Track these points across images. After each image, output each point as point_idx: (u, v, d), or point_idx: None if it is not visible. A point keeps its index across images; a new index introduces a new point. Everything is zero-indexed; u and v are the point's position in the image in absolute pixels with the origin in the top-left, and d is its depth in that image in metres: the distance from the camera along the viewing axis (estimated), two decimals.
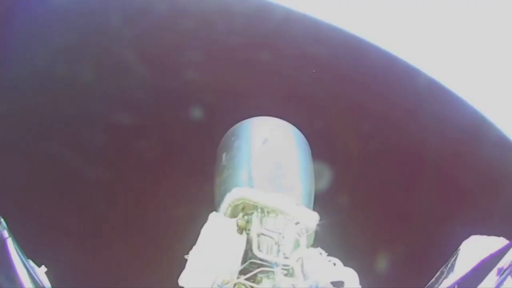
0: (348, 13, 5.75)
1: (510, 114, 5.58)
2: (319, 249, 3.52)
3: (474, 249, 3.34)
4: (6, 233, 2.85)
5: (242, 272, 3.26)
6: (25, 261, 2.90)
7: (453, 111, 5.59)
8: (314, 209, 3.72)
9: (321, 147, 4.59)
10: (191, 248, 3.23)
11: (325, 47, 5.68)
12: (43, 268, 3.17)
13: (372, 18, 5.72)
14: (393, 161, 5.46)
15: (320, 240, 3.67)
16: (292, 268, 3.31)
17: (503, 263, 3.07)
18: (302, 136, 4.44)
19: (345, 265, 3.44)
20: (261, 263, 3.31)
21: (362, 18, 5.74)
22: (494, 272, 3.07)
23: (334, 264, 3.42)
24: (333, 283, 3.28)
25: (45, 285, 3.12)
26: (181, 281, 3.15)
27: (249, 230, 3.45)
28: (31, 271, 2.95)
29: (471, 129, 5.50)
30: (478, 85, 5.70)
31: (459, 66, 5.75)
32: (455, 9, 5.50)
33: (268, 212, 3.54)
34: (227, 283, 3.13)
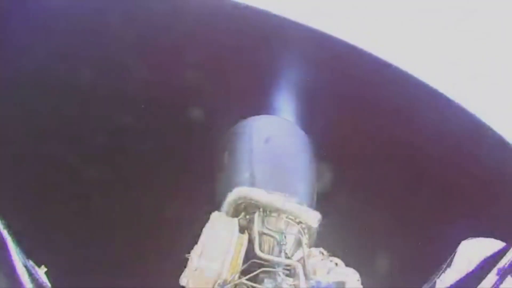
0: (342, 19, 5.82)
1: (508, 118, 5.62)
2: (321, 249, 3.52)
3: (473, 249, 3.34)
4: (6, 233, 2.83)
5: (244, 272, 3.25)
6: (25, 261, 2.88)
7: (451, 116, 5.64)
8: (316, 209, 3.71)
9: (323, 147, 4.60)
10: (192, 247, 3.21)
11: (322, 52, 5.78)
12: (43, 268, 3.15)
13: (364, 25, 5.78)
14: (393, 163, 5.49)
15: (322, 239, 3.67)
16: (294, 268, 3.31)
17: (503, 263, 3.08)
18: (305, 135, 4.45)
19: (346, 265, 3.44)
20: (263, 263, 3.30)
21: (355, 25, 5.80)
22: (494, 272, 3.08)
23: (336, 264, 3.42)
24: (334, 283, 3.27)
25: (45, 285, 3.10)
26: (182, 280, 3.13)
27: (251, 229, 3.45)
28: (31, 271, 2.93)
29: (469, 134, 5.55)
30: (475, 90, 5.74)
31: (456, 72, 5.79)
32: (450, 13, 5.55)
33: (270, 212, 3.53)
34: (229, 283, 3.11)
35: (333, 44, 5.68)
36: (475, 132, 5.52)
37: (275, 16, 5.55)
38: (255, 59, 5.66)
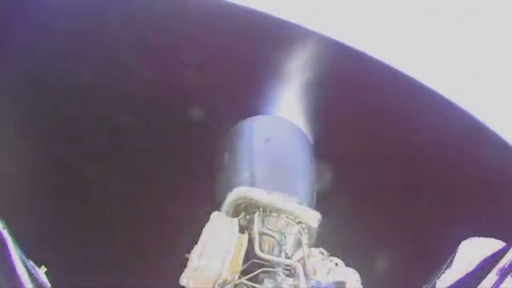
0: (342, 20, 5.84)
1: (508, 118, 5.64)
2: (321, 249, 3.51)
3: (473, 249, 3.34)
4: (6, 233, 2.82)
5: (244, 272, 3.23)
6: (25, 261, 2.87)
7: (451, 117, 5.67)
8: (316, 209, 3.70)
9: (323, 147, 4.61)
10: (192, 247, 3.20)
11: (321, 53, 5.82)
12: (43, 268, 3.15)
13: (364, 25, 5.80)
14: (393, 164, 5.51)
15: (322, 239, 3.66)
16: (294, 268, 3.30)
17: (503, 263, 3.07)
18: (305, 134, 4.43)
19: (346, 265, 3.43)
20: (263, 263, 3.29)
21: (355, 25, 5.82)
22: (494, 272, 3.07)
23: (336, 264, 3.41)
24: (334, 283, 3.26)
25: (45, 285, 3.09)
26: (182, 280, 3.12)
27: (251, 229, 3.44)
28: (31, 271, 2.92)
29: (469, 134, 5.57)
30: (475, 90, 5.76)
31: (456, 72, 5.80)
32: (450, 13, 5.56)
33: (270, 212, 3.52)
34: (229, 283, 3.10)
35: (332, 46, 5.71)
36: (475, 132, 5.54)
37: (274, 17, 5.58)
38: (254, 60, 5.68)
